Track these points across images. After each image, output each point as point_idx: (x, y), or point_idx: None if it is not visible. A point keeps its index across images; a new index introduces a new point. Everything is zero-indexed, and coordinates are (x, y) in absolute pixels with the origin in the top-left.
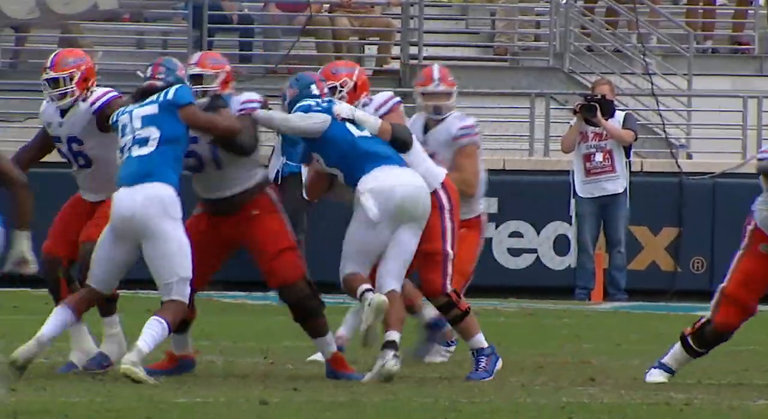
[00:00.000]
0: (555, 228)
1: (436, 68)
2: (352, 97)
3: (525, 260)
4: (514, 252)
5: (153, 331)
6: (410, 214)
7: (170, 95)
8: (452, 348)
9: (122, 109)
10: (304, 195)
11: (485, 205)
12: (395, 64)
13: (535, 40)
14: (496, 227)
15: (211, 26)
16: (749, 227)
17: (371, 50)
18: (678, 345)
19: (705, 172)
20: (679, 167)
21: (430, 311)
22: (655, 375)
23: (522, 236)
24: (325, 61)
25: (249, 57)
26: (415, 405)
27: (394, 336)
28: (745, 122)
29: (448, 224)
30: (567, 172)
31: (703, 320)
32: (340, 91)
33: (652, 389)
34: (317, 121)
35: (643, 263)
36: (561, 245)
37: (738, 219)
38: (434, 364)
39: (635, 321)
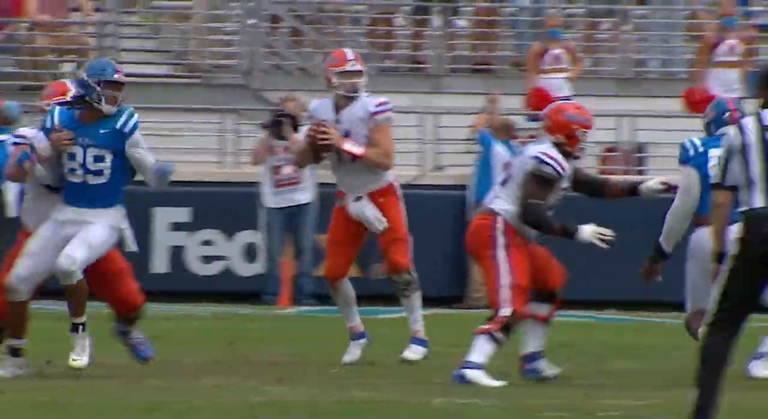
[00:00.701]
0: (245, 237)
1: (348, 50)
2: None
3: (216, 267)
4: (206, 259)
5: None
6: None
7: None
8: None
9: None
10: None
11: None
12: None
13: (225, 59)
14: (189, 235)
15: None
16: (498, 226)
17: (69, 67)
18: (485, 343)
19: None
20: None
21: None
22: (478, 375)
23: (213, 245)
24: (24, 79)
25: None
26: (118, 405)
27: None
28: (423, 137)
29: None
30: (257, 183)
31: (502, 315)
32: None
33: (337, 387)
34: None
35: None
36: (251, 253)
37: (418, 227)
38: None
39: (321, 324)
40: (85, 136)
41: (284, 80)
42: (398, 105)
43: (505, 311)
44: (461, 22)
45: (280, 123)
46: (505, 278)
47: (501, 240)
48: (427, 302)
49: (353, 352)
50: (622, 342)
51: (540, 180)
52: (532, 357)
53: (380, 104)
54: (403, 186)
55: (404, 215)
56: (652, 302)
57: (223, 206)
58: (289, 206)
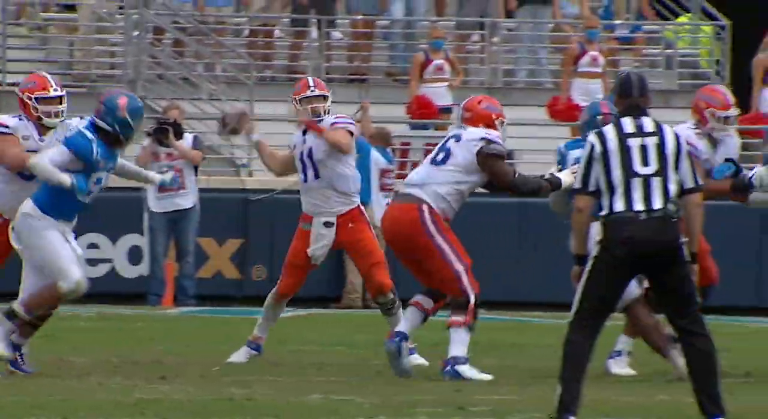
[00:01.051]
0: (130, 240)
1: (309, 78)
2: None
3: (102, 269)
4: (92, 262)
5: None
6: None
7: None
8: None
9: None
10: None
11: None
12: None
13: (111, 69)
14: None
15: None
16: (425, 215)
17: None
18: (463, 334)
19: (267, 189)
20: (243, 184)
21: None
22: (469, 370)
23: (98, 248)
24: None
25: None
26: (5, 402)
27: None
28: None
29: None
30: (141, 188)
31: (472, 304)
32: None
33: (218, 385)
34: None
35: (209, 272)
36: (135, 256)
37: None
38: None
39: (203, 324)
40: (111, 163)
41: (167, 89)
42: (277, 114)
43: (472, 298)
44: (337, 34)
45: (163, 130)
46: (457, 264)
47: (432, 228)
48: (305, 302)
49: (241, 355)
50: (491, 339)
51: (498, 157)
52: (400, 335)
53: (338, 117)
54: (285, 191)
55: (375, 237)
56: (519, 302)
57: (107, 210)
58: (172, 211)
